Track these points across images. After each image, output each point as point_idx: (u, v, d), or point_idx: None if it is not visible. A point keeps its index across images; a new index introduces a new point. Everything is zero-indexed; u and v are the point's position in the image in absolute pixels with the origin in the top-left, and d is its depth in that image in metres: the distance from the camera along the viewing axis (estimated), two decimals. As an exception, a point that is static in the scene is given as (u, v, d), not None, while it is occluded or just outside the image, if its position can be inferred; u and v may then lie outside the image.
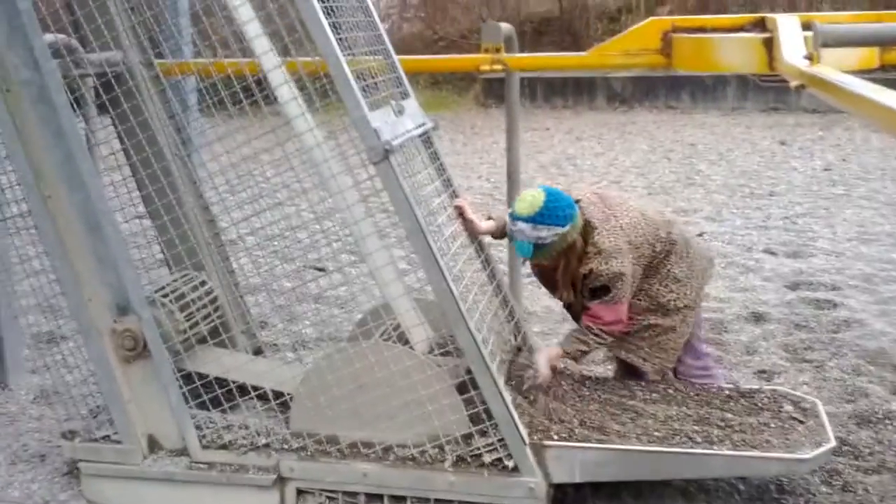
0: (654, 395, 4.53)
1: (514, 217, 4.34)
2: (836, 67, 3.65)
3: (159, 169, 4.61)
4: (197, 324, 4.63)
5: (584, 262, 4.40)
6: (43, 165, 4.09)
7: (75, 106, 4.34)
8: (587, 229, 4.40)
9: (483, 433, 4.02)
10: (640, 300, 4.58)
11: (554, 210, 4.28)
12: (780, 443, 4.06)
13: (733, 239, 9.31)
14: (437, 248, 3.97)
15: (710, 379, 4.79)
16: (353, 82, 3.80)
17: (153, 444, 4.36)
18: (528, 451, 3.96)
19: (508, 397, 4.00)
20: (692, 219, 10.26)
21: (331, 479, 4.13)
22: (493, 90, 21.06)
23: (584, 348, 4.50)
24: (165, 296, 4.57)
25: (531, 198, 4.32)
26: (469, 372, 4.02)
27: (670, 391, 4.57)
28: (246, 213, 4.85)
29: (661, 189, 12.05)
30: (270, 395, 4.33)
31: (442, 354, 4.19)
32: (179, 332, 4.52)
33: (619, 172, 13.38)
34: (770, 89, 18.21)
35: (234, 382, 4.36)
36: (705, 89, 19.60)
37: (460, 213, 4.63)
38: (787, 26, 4.55)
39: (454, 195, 4.71)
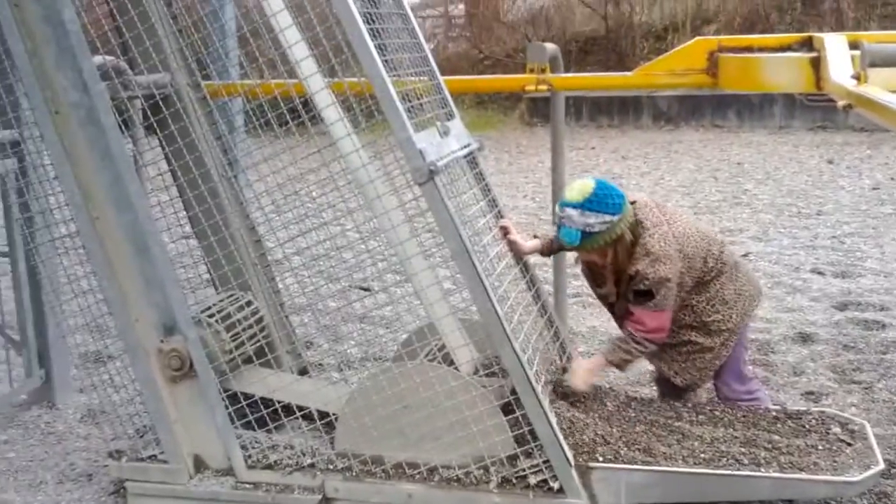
0: (700, 416, 4.50)
1: (563, 203, 4.35)
2: (883, 87, 3.63)
3: (206, 190, 4.64)
4: (243, 344, 4.65)
5: (632, 262, 4.38)
6: (91, 187, 4.13)
7: (123, 127, 4.38)
8: (638, 228, 4.38)
9: (528, 454, 4.00)
10: (684, 315, 4.56)
11: (604, 198, 4.28)
12: (828, 465, 4.02)
13: (780, 259, 9.23)
14: (483, 268, 3.97)
15: (755, 402, 4.75)
16: (398, 104, 3.80)
17: (199, 464, 4.38)
18: (574, 472, 3.94)
19: (554, 418, 3.98)
20: (738, 238, 10.19)
21: (376, 500, 4.12)
22: (539, 109, 21.03)
23: (627, 357, 4.48)
24: (211, 316, 4.59)
25: (581, 185, 4.33)
26: (514, 392, 4.01)
27: (717, 413, 4.53)
28: (292, 233, 4.86)
29: (708, 208, 11.97)
30: (315, 415, 4.33)
31: (487, 375, 4.18)
32: (225, 352, 4.53)
33: (665, 192, 13.30)
34: (817, 107, 18.09)
35: (279, 402, 4.36)
36: (752, 108, 19.46)
37: (505, 233, 4.63)
38: (835, 45, 4.53)
39: (499, 216, 4.71)
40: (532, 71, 5.80)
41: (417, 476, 4.08)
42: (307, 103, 4.26)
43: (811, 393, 5.75)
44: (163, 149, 4.82)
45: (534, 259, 4.81)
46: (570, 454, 3.96)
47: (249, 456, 4.29)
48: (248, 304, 4.86)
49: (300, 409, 4.38)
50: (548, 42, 6.12)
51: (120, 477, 4.52)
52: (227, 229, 4.72)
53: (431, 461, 4.09)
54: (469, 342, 4.27)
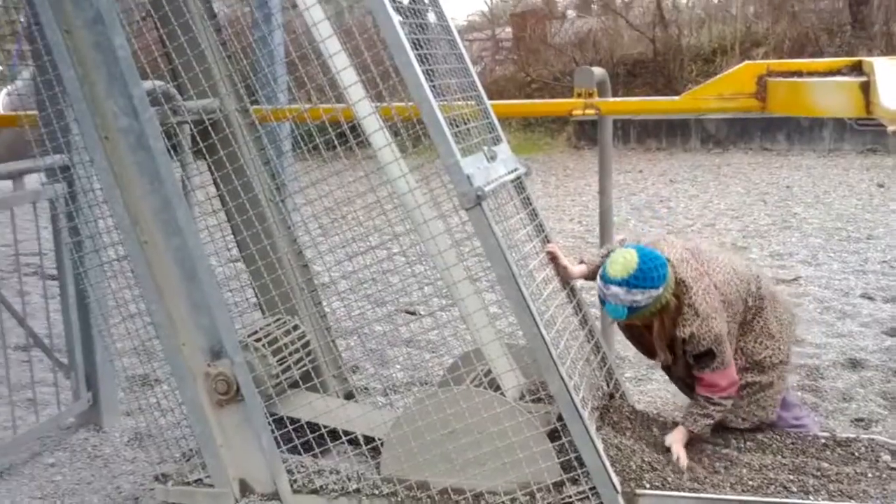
0: (748, 443, 4.47)
1: (608, 280, 4.26)
2: (934, 111, 3.59)
3: (254, 214, 4.66)
4: (289, 368, 4.66)
5: (682, 325, 4.32)
6: (140, 211, 4.16)
7: (172, 152, 4.41)
8: (681, 288, 4.32)
9: (574, 481, 3.97)
10: (736, 359, 4.51)
11: (648, 272, 4.21)
12: (878, 493, 3.97)
13: (830, 283, 9.15)
14: (529, 293, 3.95)
15: (802, 428, 4.70)
16: (446, 129, 3.81)
17: (245, 488, 4.38)
18: (621, 499, 3.91)
19: (600, 444, 3.96)
20: (787, 263, 10.11)
21: (421, 526, 4.12)
22: (586, 132, 21.03)
23: (710, 422, 4.44)
24: (258, 340, 4.61)
25: (624, 260, 4.24)
26: (560, 419, 3.98)
27: (765, 440, 4.50)
28: (338, 258, 4.87)
29: (757, 232, 11.89)
30: (361, 440, 4.33)
31: (533, 401, 4.17)
32: (272, 376, 4.54)
33: (713, 215, 13.24)
34: (867, 131, 17.96)
35: (325, 427, 4.36)
36: (801, 131, 19.34)
37: (552, 258, 4.61)
38: (885, 70, 4.48)
39: (546, 240, 4.69)
40: (580, 95, 5.79)
41: (463, 502, 4.06)
42: (355, 128, 4.28)
43: (860, 420, 5.69)
44: (211, 173, 4.86)
45: (580, 284, 4.78)
46: (616, 481, 3.92)
47: (295, 480, 4.29)
48: (295, 328, 4.87)
49: (346, 433, 4.38)
50: (595, 65, 6.13)
51: (166, 501, 4.52)
52: (275, 253, 4.73)
53: (477, 487, 4.07)
54: (515, 367, 4.26)
